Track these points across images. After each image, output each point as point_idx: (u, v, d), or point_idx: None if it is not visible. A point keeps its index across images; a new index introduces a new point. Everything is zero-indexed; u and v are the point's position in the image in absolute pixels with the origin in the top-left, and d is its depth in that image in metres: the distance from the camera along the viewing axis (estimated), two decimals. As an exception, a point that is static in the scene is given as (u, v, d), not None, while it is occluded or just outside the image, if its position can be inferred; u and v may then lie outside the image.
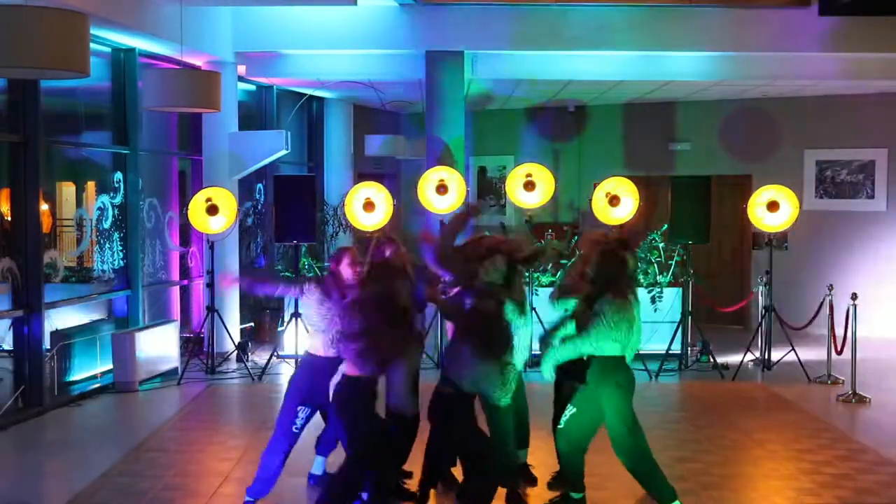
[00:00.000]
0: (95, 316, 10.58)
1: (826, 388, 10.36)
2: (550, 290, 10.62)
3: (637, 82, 13.05)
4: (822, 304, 10.60)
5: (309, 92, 14.53)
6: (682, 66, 12.35)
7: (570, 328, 6.27)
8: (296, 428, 6.29)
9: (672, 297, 11.64)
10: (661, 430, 8.51)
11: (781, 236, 11.37)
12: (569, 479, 6.30)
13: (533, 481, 6.83)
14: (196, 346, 11.26)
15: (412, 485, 6.61)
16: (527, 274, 11.47)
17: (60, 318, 9.73)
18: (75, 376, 10.00)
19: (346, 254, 6.40)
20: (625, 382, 6.07)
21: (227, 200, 10.78)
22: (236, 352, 11.31)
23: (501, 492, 6.21)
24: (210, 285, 10.93)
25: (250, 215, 13.41)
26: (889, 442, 8.17)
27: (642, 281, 11.79)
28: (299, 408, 6.28)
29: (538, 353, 11.29)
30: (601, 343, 5.95)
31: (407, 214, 13.52)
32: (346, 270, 6.31)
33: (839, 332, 10.25)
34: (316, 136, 15.53)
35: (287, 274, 12.07)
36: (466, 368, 5.88)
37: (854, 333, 9.92)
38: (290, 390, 6.37)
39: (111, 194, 10.51)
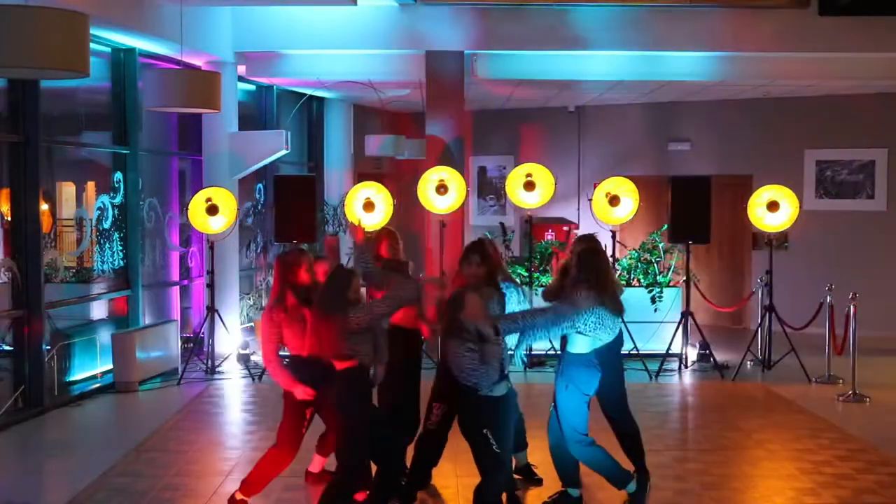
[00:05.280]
0: (95, 316, 10.59)
1: (826, 388, 10.36)
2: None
3: (637, 82, 13.05)
4: (821, 304, 10.60)
5: (309, 92, 14.53)
6: (682, 66, 12.35)
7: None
8: (304, 430, 6.34)
9: (672, 297, 11.64)
10: (661, 430, 8.51)
11: (781, 236, 11.37)
12: (564, 476, 6.33)
13: (538, 482, 6.84)
14: (196, 346, 11.26)
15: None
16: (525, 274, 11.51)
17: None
18: (75, 376, 10.00)
19: (301, 263, 6.35)
20: (583, 383, 6.09)
21: (227, 200, 10.78)
22: (237, 352, 11.32)
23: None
24: (210, 285, 10.93)
25: (250, 215, 13.41)
26: (889, 442, 8.16)
27: (642, 281, 11.80)
28: (307, 411, 6.29)
29: (540, 352, 11.36)
30: (571, 335, 6.03)
31: (407, 214, 13.50)
32: (303, 276, 6.31)
33: (839, 331, 10.25)
34: (316, 136, 15.53)
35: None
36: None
37: (854, 333, 9.92)
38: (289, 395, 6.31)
39: (111, 194, 10.51)
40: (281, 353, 6.36)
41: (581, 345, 6.08)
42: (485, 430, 5.67)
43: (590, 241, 6.39)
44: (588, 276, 6.01)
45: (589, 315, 5.93)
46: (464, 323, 5.64)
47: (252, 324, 12.43)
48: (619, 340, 6.61)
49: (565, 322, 5.91)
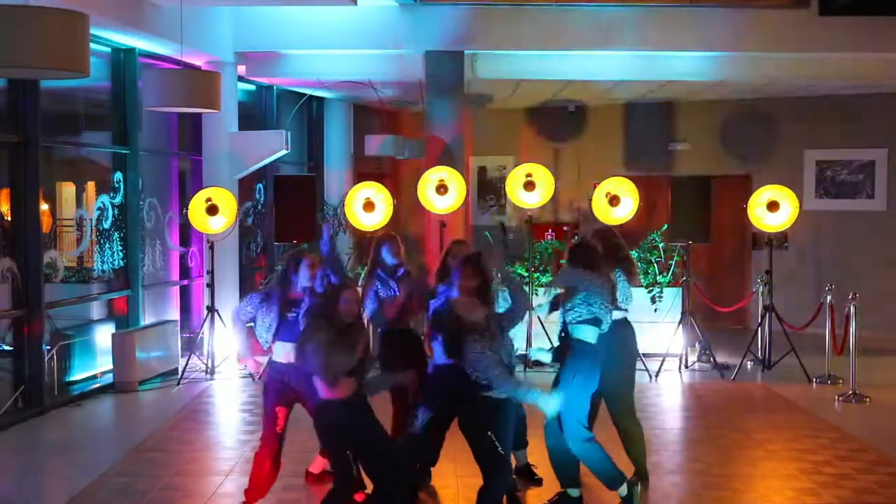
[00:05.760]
0: (95, 316, 10.60)
1: (826, 388, 10.35)
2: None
3: (637, 82, 13.04)
4: (821, 304, 10.60)
5: (309, 92, 14.53)
6: (682, 66, 12.34)
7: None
8: (279, 429, 6.23)
9: (672, 297, 11.64)
10: (661, 430, 8.52)
11: (781, 236, 11.37)
12: (563, 476, 6.33)
13: (538, 482, 6.84)
14: (196, 346, 11.25)
15: None
16: (525, 273, 11.51)
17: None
18: (75, 376, 10.00)
19: (305, 258, 6.31)
20: (588, 371, 6.14)
21: (227, 200, 10.78)
22: (237, 352, 11.31)
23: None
24: (210, 285, 10.93)
25: (250, 215, 13.41)
26: (889, 442, 8.16)
27: (642, 281, 11.79)
28: (277, 409, 6.21)
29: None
30: (575, 323, 6.13)
31: (406, 214, 13.51)
32: (303, 274, 6.26)
33: (839, 331, 10.25)
34: (316, 136, 15.52)
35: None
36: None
37: (854, 333, 9.92)
38: (265, 393, 6.29)
39: (111, 194, 10.51)
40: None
41: (589, 334, 6.15)
42: (489, 433, 5.66)
43: (590, 238, 6.51)
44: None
45: (598, 296, 6.13)
46: (474, 323, 5.66)
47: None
48: (629, 344, 6.67)
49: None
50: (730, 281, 14.79)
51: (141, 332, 10.32)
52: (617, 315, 6.44)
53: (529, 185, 11.07)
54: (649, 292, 11.62)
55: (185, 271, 12.13)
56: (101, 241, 10.34)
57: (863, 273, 13.56)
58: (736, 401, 9.84)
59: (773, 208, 11.02)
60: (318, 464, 6.92)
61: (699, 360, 11.37)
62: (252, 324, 6.41)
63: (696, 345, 11.40)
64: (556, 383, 6.29)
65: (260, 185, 13.59)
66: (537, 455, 6.92)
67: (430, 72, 11.68)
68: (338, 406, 5.57)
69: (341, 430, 5.60)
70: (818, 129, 14.50)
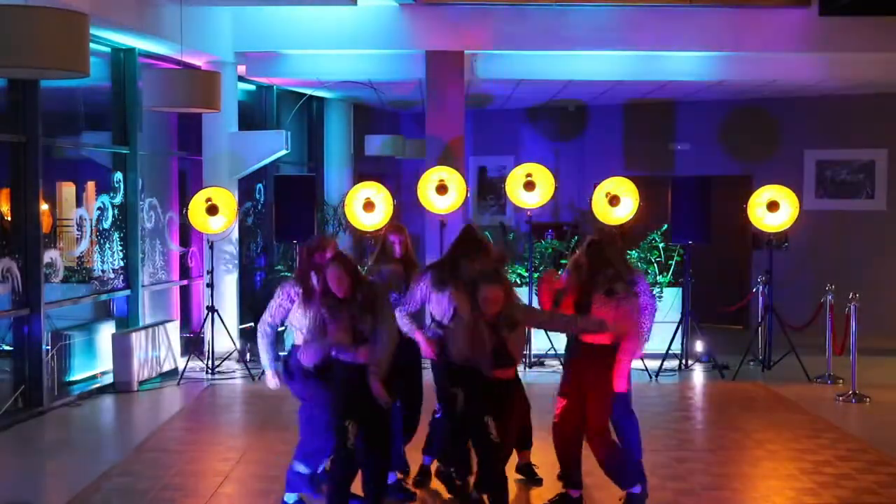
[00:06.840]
0: (95, 316, 10.60)
1: (826, 388, 10.36)
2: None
3: (637, 82, 13.04)
4: (821, 304, 10.60)
5: (309, 92, 14.53)
6: (682, 66, 12.35)
7: None
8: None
9: (672, 297, 11.63)
10: (662, 430, 8.51)
11: (781, 236, 11.36)
12: (567, 476, 6.32)
13: (538, 482, 6.83)
14: (196, 346, 11.26)
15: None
16: (524, 273, 11.52)
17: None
18: (75, 376, 10.00)
19: (330, 244, 6.19)
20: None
21: (227, 200, 10.78)
22: (236, 352, 11.31)
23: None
24: (210, 285, 10.94)
25: (250, 215, 13.42)
26: (889, 442, 8.16)
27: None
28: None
29: (540, 353, 11.36)
30: None
31: (406, 214, 13.50)
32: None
33: (839, 331, 10.25)
34: (316, 136, 15.53)
35: (286, 274, 12.07)
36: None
37: (854, 333, 9.92)
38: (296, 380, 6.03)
39: (111, 194, 10.51)
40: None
41: None
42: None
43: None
44: None
45: None
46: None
47: (252, 323, 12.43)
48: None
49: None
50: (730, 281, 14.79)
51: (141, 332, 10.32)
52: None
53: (529, 185, 11.08)
54: (649, 292, 11.60)
55: (185, 271, 12.14)
56: (101, 241, 10.34)
57: (863, 273, 13.56)
58: (736, 401, 9.84)
59: (773, 208, 11.01)
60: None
61: (699, 360, 11.36)
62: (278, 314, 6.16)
63: (697, 345, 11.38)
64: None
65: (260, 185, 13.59)
66: (538, 455, 6.92)
67: (430, 72, 11.68)
68: (354, 369, 5.60)
69: (349, 394, 5.63)
70: (818, 129, 14.50)
